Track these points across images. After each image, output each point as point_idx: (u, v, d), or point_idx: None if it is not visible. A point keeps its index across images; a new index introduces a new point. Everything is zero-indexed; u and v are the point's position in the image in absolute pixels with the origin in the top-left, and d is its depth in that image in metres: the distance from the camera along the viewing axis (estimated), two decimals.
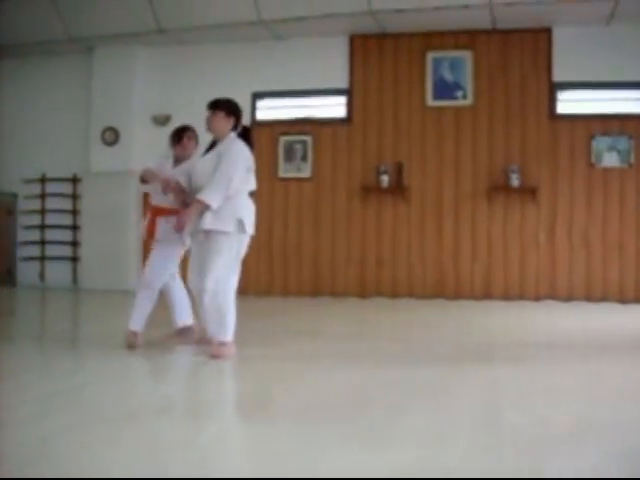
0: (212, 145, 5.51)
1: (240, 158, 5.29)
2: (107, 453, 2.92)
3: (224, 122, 5.41)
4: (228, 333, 5.25)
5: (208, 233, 5.25)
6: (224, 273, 5.22)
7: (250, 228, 5.34)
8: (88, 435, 3.18)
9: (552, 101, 10.32)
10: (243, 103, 11.31)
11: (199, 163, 5.46)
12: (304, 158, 11.07)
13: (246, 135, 5.53)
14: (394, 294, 10.68)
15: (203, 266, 5.25)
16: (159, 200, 5.81)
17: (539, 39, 10.32)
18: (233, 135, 5.44)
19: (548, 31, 10.27)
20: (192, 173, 5.48)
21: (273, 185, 11.09)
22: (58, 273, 12.20)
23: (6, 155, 12.36)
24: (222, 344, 5.22)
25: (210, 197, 5.15)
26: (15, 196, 12.39)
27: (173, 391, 4.13)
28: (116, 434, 3.21)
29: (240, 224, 5.25)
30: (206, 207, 5.16)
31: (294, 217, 11.12)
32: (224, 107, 5.44)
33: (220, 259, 5.21)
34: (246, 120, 11.00)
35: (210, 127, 5.44)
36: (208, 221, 5.19)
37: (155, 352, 5.47)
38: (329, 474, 2.68)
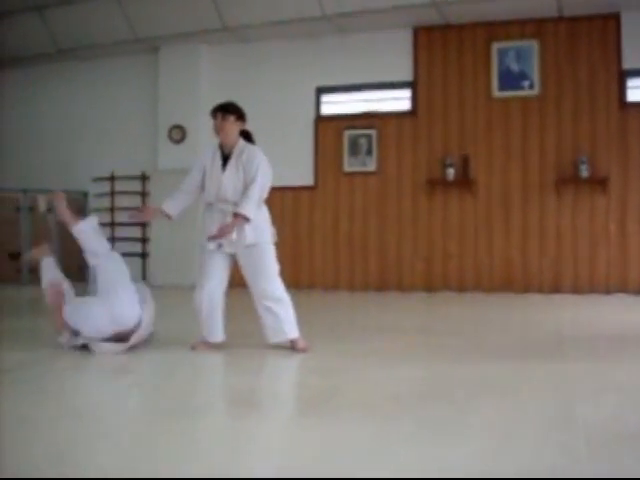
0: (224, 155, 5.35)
1: (269, 168, 5.27)
2: (161, 447, 2.97)
3: (235, 127, 5.29)
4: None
5: (252, 246, 5.25)
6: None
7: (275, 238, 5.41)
8: (151, 428, 3.24)
9: (622, 89, 10.08)
10: (308, 98, 11.53)
11: (225, 178, 5.29)
12: (369, 152, 11.04)
13: (250, 139, 5.45)
14: (461, 288, 10.59)
15: (260, 277, 5.24)
16: None
17: (607, 25, 10.08)
18: (242, 141, 5.33)
19: (616, 17, 10.02)
20: (218, 185, 5.34)
21: (338, 180, 11.11)
22: (128, 269, 12.38)
23: (76, 154, 12.65)
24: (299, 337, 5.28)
25: (249, 210, 5.13)
26: (85, 194, 12.67)
27: (239, 385, 4.16)
28: (179, 428, 3.25)
29: (273, 235, 5.36)
30: (246, 220, 5.15)
31: (360, 211, 11.10)
32: (235, 111, 5.29)
33: (273, 266, 5.28)
34: (311, 115, 11.23)
35: (222, 132, 5.26)
36: (251, 236, 5.21)
37: (230, 348, 5.51)
38: (397, 470, 2.66)
